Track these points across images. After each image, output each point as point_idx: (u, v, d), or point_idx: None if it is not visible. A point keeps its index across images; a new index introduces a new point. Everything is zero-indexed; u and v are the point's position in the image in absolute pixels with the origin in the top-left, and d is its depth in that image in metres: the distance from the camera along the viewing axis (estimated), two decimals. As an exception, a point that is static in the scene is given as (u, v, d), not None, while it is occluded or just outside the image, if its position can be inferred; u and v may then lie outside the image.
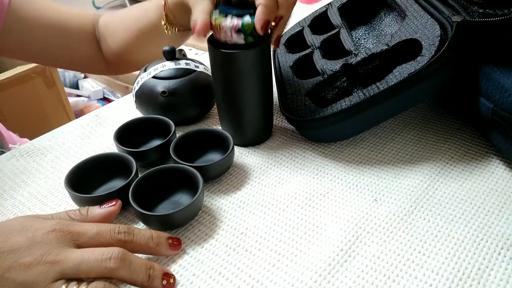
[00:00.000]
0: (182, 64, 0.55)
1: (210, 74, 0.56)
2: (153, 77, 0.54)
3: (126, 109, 0.62)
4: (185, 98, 0.54)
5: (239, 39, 0.43)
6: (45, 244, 0.34)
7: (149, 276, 0.35)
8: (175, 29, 0.60)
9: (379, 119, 0.49)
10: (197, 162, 0.49)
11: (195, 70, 0.55)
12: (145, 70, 0.56)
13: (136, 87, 0.55)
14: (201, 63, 0.57)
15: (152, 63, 0.56)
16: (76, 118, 0.63)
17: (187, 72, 0.54)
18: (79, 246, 0.36)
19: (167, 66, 0.54)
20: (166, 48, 0.55)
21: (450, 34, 0.42)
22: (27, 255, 0.33)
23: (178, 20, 0.60)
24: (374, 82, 0.45)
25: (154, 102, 0.53)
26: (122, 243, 0.37)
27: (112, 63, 0.72)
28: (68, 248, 0.35)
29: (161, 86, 0.53)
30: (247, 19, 0.42)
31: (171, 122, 0.51)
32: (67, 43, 0.68)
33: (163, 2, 0.59)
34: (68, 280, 0.34)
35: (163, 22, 0.60)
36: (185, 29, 0.61)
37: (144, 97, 0.54)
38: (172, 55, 0.55)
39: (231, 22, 0.42)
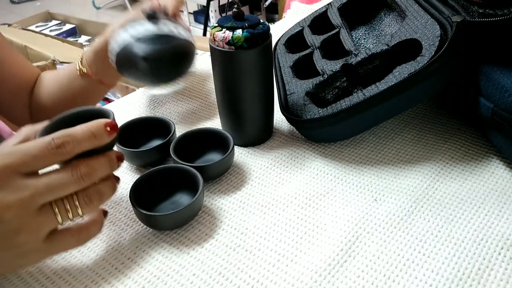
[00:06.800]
0: (164, 27, 0.52)
1: (188, 39, 0.54)
2: (136, 40, 0.51)
3: (126, 109, 0.62)
4: (166, 62, 0.52)
5: (229, 49, 0.45)
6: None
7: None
8: (85, 70, 0.64)
9: (379, 119, 0.49)
10: (197, 162, 0.49)
11: (176, 36, 0.53)
12: (125, 30, 0.53)
13: (116, 48, 0.52)
14: (184, 29, 0.55)
15: (133, 22, 0.53)
16: (76, 118, 0.63)
17: (167, 36, 0.52)
18: (27, 175, 0.34)
19: (148, 29, 0.52)
20: (149, 11, 0.53)
21: (450, 34, 0.42)
22: None
23: (92, 67, 0.63)
24: (374, 82, 0.45)
25: (135, 67, 0.51)
26: (65, 154, 0.35)
27: (35, 112, 0.73)
28: (21, 180, 0.33)
29: (141, 49, 0.50)
30: (238, 32, 0.44)
31: (171, 122, 0.51)
32: (17, 92, 0.70)
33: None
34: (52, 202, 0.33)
35: (77, 63, 0.65)
36: (95, 75, 0.64)
37: (125, 60, 0.52)
38: (154, 17, 0.53)
39: (223, 34, 0.44)
